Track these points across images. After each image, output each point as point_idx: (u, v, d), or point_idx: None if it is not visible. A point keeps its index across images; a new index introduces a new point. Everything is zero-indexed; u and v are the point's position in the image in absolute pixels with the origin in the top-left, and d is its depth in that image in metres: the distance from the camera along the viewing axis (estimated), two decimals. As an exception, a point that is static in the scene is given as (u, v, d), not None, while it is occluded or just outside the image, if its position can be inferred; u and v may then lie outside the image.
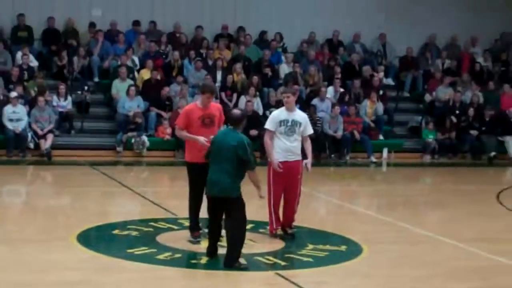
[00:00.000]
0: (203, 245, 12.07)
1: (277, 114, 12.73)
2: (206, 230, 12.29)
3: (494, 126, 24.83)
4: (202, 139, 11.66)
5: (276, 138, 12.49)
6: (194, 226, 12.30)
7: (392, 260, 12.06)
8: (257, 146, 16.50)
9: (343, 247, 12.47)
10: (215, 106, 12.49)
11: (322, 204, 16.86)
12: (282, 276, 10.58)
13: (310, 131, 12.92)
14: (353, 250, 12.37)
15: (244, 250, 11.65)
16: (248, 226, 11.73)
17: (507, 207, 17.02)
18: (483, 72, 27.64)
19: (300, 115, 12.75)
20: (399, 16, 27.14)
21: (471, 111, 24.98)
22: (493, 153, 24.38)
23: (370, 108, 24.40)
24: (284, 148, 12.41)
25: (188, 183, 12.26)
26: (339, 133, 23.21)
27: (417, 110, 26.30)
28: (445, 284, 10.88)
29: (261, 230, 12.87)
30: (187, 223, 12.69)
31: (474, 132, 24.69)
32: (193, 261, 11.49)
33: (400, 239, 13.68)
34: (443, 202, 18.37)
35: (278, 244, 12.44)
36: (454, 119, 24.83)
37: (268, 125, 12.61)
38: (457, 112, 25.06)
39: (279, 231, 12.67)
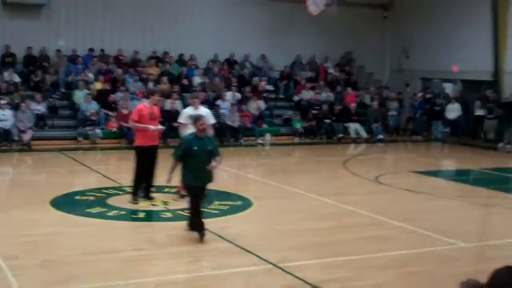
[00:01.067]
0: (141, 205, 12.03)
1: (187, 111, 12.99)
2: (143, 195, 12.33)
3: (341, 116, 25.13)
4: (152, 127, 12.17)
5: (188, 128, 12.54)
6: (135, 192, 12.25)
7: (274, 210, 12.12)
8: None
9: (239, 202, 12.52)
10: (156, 107, 12.82)
11: (224, 173, 16.80)
12: (197, 224, 10.50)
13: (212, 121, 13.17)
14: (246, 204, 12.43)
15: (169, 207, 11.57)
16: (169, 190, 11.67)
17: (351, 171, 17.30)
18: (333, 79, 27.93)
19: (203, 110, 12.97)
20: (277, 42, 27.22)
21: (325, 106, 25.23)
22: (340, 135, 24.69)
23: (255, 106, 24.45)
24: (192, 135, 12.57)
25: (136, 162, 12.30)
26: (236, 124, 23.22)
27: (289, 107, 26.41)
28: (311, 224, 10.99)
29: (172, 192, 12.80)
30: (129, 190, 12.59)
31: (327, 121, 24.94)
32: (134, 216, 11.47)
33: (279, 195, 13.76)
34: (308, 169, 18.57)
35: (194, 202, 12.38)
36: (314, 112, 25.05)
37: (180, 119, 12.81)
38: (316, 107, 25.28)
39: (183, 193, 12.65)
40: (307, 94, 26.08)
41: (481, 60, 24.48)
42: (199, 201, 9.75)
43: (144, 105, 12.65)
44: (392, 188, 14.96)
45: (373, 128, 25.24)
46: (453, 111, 25.31)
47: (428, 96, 26.42)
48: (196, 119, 10.05)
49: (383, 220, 11.46)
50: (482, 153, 22.64)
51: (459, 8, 25.69)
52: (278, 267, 8.43)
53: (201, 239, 9.46)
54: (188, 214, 9.87)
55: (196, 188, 9.71)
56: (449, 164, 21.41)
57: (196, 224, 9.61)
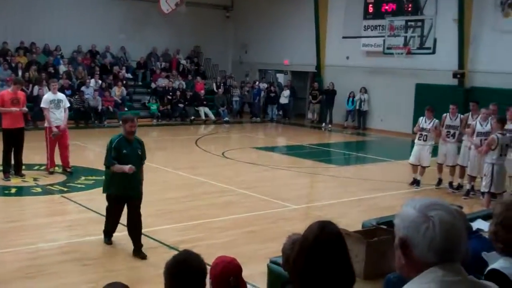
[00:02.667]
0: (13, 181, 11.41)
1: (47, 96, 12.63)
2: (13, 172, 11.76)
3: (192, 101, 25.12)
4: (14, 109, 11.60)
5: (50, 111, 12.11)
6: (6, 170, 11.63)
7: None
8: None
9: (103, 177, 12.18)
10: (21, 93, 12.28)
11: (90, 152, 16.33)
12: (65, 197, 10.17)
13: (68, 104, 12.84)
14: (110, 178, 12.12)
15: (39, 183, 11.06)
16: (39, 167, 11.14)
17: (201, 148, 17.42)
18: (185, 69, 27.83)
19: (61, 95, 12.83)
20: (134, 35, 26.61)
21: (178, 93, 25.12)
22: (192, 117, 24.71)
23: (118, 92, 23.84)
24: (55, 117, 12.17)
25: (4, 143, 11.71)
26: (99, 108, 22.54)
27: (147, 93, 25.99)
28: (167, 194, 10.93)
29: (42, 169, 12.28)
30: (1, 168, 11.88)
31: (181, 105, 24.85)
32: (6, 192, 10.82)
33: (139, 170, 13.57)
34: (165, 147, 18.44)
35: (62, 178, 11.95)
36: (169, 97, 24.85)
37: (43, 104, 12.39)
38: (171, 93, 25.08)
39: (52, 170, 12.31)
40: (162, 82, 25.81)
41: (306, 55, 25.49)
42: (118, 214, 7.67)
43: (7, 91, 12.12)
44: (236, 161, 15.24)
45: (220, 111, 25.54)
46: (285, 97, 26.22)
47: (265, 85, 27.05)
48: (126, 119, 7.71)
49: (229, 188, 11.67)
50: (309, 131, 23.63)
51: (289, 11, 26.47)
52: (139, 232, 8.35)
53: (107, 242, 7.77)
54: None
55: (119, 198, 7.58)
56: (283, 141, 22.15)
57: (107, 231, 7.83)
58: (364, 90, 23.39)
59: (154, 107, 24.36)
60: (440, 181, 12.66)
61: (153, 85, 25.91)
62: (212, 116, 25.15)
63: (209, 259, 3.48)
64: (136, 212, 7.54)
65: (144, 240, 7.96)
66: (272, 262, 5.03)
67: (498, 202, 3.35)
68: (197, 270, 3.03)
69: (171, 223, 9.00)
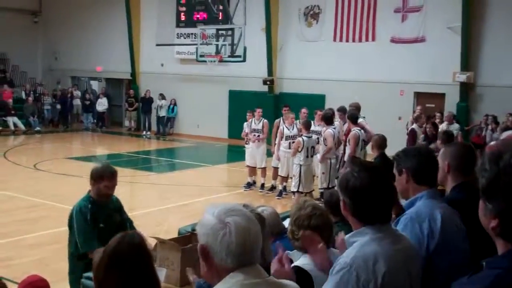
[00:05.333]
0: None
1: None
2: None
3: (-1, 111, 23.45)
4: None
5: None
6: None
7: None
8: None
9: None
10: None
11: None
12: None
13: None
14: None
15: None
16: None
17: (11, 160, 16.32)
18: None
19: None
20: None
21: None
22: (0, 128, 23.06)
23: None
24: None
25: None
26: None
27: None
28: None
29: None
30: None
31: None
32: None
33: None
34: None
35: None
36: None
37: None
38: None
39: None
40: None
41: (121, 62, 25.08)
42: None
43: None
44: (49, 173, 14.52)
45: (31, 121, 24.12)
46: (101, 104, 25.55)
47: (75, 92, 25.99)
48: (101, 175, 5.07)
49: (41, 202, 11.08)
50: (127, 139, 23.23)
51: (101, 18, 25.78)
52: None
53: None
54: None
55: None
56: (100, 150, 21.48)
57: None
58: (162, 97, 23.57)
59: None
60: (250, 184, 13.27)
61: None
62: (22, 126, 23.62)
63: (22, 279, 3.31)
64: None
65: None
66: (86, 278, 4.85)
67: (293, 203, 3.57)
68: None
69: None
